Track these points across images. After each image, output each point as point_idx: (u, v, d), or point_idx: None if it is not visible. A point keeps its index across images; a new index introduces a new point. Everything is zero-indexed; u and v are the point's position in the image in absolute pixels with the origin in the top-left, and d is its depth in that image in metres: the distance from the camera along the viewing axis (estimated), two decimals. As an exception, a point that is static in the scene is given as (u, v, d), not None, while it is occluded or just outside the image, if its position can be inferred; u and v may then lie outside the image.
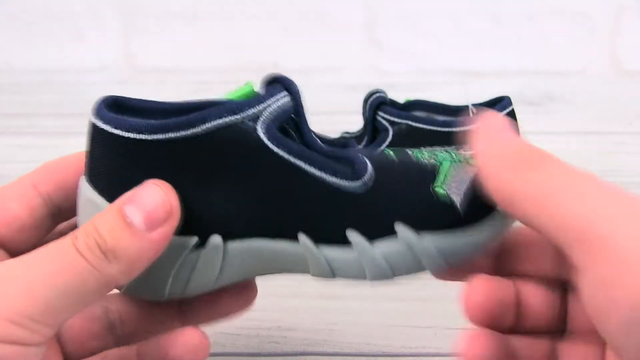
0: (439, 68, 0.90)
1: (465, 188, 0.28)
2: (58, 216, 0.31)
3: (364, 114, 0.52)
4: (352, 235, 0.28)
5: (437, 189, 0.28)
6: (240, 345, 0.38)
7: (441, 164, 0.29)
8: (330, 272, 0.29)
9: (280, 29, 0.92)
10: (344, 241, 0.28)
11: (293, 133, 0.29)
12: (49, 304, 0.24)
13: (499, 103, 0.50)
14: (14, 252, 0.30)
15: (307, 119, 0.29)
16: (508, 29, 0.90)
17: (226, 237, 0.28)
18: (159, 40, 0.92)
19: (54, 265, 0.24)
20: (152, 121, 0.26)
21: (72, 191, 0.30)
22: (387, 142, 0.50)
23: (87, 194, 0.28)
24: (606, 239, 0.21)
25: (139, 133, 0.26)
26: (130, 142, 0.26)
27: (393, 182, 0.28)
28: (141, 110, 0.29)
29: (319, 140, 0.29)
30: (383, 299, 0.43)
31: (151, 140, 0.26)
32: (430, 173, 0.28)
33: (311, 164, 0.27)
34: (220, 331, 0.34)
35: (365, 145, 0.51)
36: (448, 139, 0.50)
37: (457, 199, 0.27)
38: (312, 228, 0.28)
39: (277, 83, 0.29)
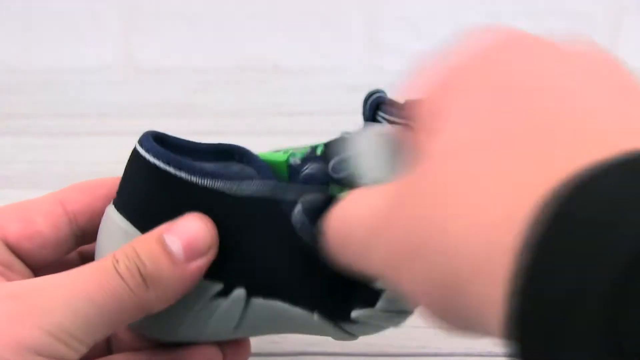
0: (439, 68, 0.90)
1: None
2: (80, 237, 0.31)
3: (364, 114, 0.52)
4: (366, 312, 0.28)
5: None
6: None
7: None
8: (351, 336, 0.30)
9: (280, 29, 0.92)
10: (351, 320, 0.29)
11: None
12: (88, 321, 0.24)
13: (499, 103, 0.50)
14: (32, 266, 0.30)
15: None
16: (508, 29, 0.90)
17: (250, 293, 0.28)
18: (159, 40, 0.93)
19: (94, 284, 0.25)
20: (205, 164, 0.27)
21: (97, 215, 0.30)
22: (387, 142, 0.50)
23: (117, 220, 0.28)
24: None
25: (190, 174, 0.26)
26: (179, 182, 0.26)
27: None
28: (178, 148, 0.30)
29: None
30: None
31: (201, 186, 0.26)
32: None
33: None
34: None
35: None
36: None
37: None
38: (321, 308, 0.28)
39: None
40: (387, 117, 0.51)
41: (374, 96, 0.52)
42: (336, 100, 0.80)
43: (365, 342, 0.38)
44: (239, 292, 0.28)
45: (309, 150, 0.40)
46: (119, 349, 0.31)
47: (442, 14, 0.90)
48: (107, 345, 0.32)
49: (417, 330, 0.38)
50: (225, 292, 0.28)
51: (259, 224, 0.27)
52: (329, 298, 0.28)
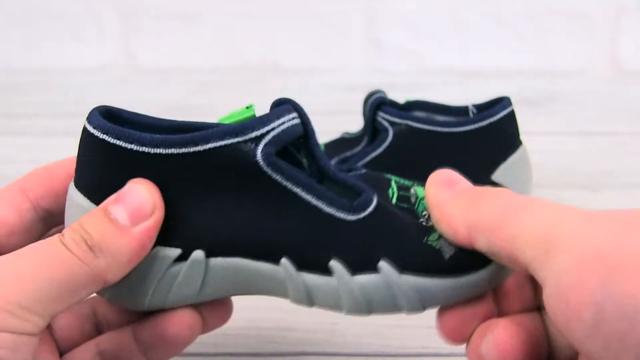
0: (439, 68, 0.90)
1: (458, 247, 0.28)
2: (49, 220, 0.32)
3: (364, 114, 0.52)
4: (335, 264, 0.28)
5: (431, 243, 0.28)
6: (241, 345, 0.38)
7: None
8: (308, 300, 0.29)
9: (280, 29, 0.92)
10: (326, 270, 0.28)
11: (304, 155, 0.30)
12: (40, 294, 0.25)
13: (499, 103, 0.50)
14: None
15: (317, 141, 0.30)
16: (508, 29, 0.90)
17: (209, 254, 0.28)
18: (159, 40, 0.93)
19: (43, 258, 0.25)
20: (157, 136, 0.27)
21: (61, 196, 0.31)
22: (387, 143, 0.50)
23: (77, 199, 0.29)
24: (559, 243, 0.22)
25: (141, 146, 0.27)
26: (131, 154, 0.27)
27: (388, 220, 0.28)
28: (132, 123, 0.30)
29: (331, 165, 0.30)
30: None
31: (152, 154, 0.27)
32: (425, 227, 0.29)
33: (308, 191, 0.28)
34: (221, 331, 0.34)
35: (365, 146, 0.51)
36: (448, 139, 0.50)
37: (449, 251, 0.28)
38: (297, 253, 0.28)
39: (287, 104, 0.29)
40: (387, 117, 0.51)
41: (374, 96, 0.52)
42: (336, 100, 0.80)
43: (365, 341, 0.38)
44: (197, 254, 0.28)
45: None
46: (108, 329, 0.32)
47: (442, 14, 0.90)
48: (96, 327, 0.32)
49: (417, 330, 0.38)
50: (184, 257, 0.28)
51: (220, 173, 0.27)
52: (301, 239, 0.28)
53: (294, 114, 0.29)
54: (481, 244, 0.26)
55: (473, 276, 0.28)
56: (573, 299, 0.21)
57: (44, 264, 0.25)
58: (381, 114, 0.51)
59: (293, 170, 0.28)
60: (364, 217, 0.28)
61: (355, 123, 0.55)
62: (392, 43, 0.91)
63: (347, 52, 0.91)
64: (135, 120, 0.30)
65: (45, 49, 0.94)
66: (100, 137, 0.28)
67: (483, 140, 0.49)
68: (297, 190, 0.27)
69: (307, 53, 0.91)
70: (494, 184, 0.50)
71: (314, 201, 0.28)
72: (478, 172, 0.50)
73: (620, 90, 0.84)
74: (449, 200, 0.27)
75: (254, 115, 0.29)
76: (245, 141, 0.27)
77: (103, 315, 0.32)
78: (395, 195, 0.30)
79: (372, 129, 0.51)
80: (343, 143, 0.53)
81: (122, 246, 0.26)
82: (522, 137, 0.51)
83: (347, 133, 0.56)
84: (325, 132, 0.56)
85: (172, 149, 0.27)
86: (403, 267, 0.27)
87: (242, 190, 0.27)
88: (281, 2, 0.92)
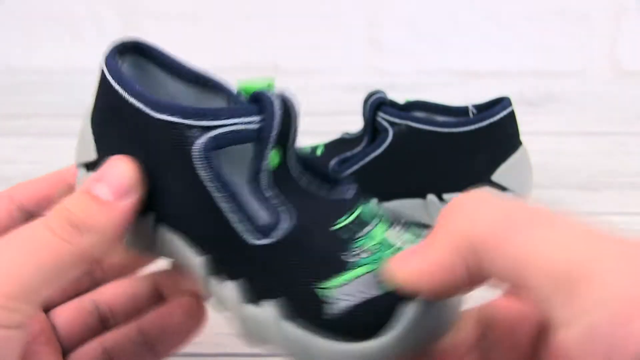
0: (439, 68, 0.90)
1: (363, 298, 0.24)
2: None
3: (364, 114, 0.52)
4: (231, 286, 0.26)
5: (321, 289, 0.25)
6: (241, 345, 0.38)
7: (358, 265, 0.25)
8: (218, 306, 0.28)
9: (280, 29, 0.92)
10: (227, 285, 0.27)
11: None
12: (25, 281, 0.24)
13: (499, 103, 0.50)
14: None
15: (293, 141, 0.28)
16: (508, 29, 0.90)
17: (159, 218, 0.28)
18: (159, 40, 0.92)
19: (27, 244, 0.25)
20: (152, 96, 0.27)
21: (44, 200, 0.32)
22: (387, 143, 0.50)
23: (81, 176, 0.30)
24: (593, 280, 0.18)
25: (136, 99, 0.27)
26: (125, 103, 0.28)
27: (297, 251, 0.26)
28: (155, 61, 0.33)
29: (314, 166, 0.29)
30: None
31: (141, 111, 0.27)
32: (340, 263, 0.25)
33: (226, 200, 0.26)
34: (221, 331, 0.34)
35: (365, 146, 0.51)
36: (448, 140, 0.50)
37: (347, 302, 0.24)
38: (212, 257, 0.27)
39: (262, 102, 0.27)
40: (387, 117, 0.51)
41: (374, 97, 0.52)
42: (336, 100, 0.80)
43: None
44: (150, 215, 0.28)
45: (309, 150, 0.40)
46: (113, 321, 0.32)
47: (442, 14, 0.90)
48: (100, 321, 0.32)
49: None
50: (142, 213, 0.28)
51: (171, 153, 0.27)
52: (222, 243, 0.27)
53: (254, 118, 0.26)
54: (474, 266, 0.21)
55: (366, 344, 0.24)
56: (617, 353, 0.17)
57: (29, 250, 0.25)
58: (381, 114, 0.51)
59: (226, 173, 0.26)
60: (269, 244, 0.26)
61: (355, 123, 0.55)
62: (392, 43, 0.91)
63: (347, 52, 0.91)
64: (160, 59, 0.33)
65: (45, 49, 0.94)
66: (111, 83, 0.29)
67: (483, 140, 0.49)
68: (215, 194, 0.26)
69: (307, 53, 0.91)
70: (494, 184, 0.50)
71: (228, 213, 0.26)
72: (478, 172, 0.50)
73: (620, 90, 0.84)
74: (425, 248, 0.23)
75: (264, 90, 0.28)
76: (191, 126, 0.26)
77: (107, 307, 0.33)
78: (345, 223, 0.27)
79: (372, 129, 0.51)
80: (343, 143, 0.53)
81: (106, 222, 0.26)
82: (522, 137, 0.51)
83: (347, 133, 0.56)
84: (325, 132, 0.56)
85: (153, 112, 0.27)
86: (288, 312, 0.25)
87: (181, 174, 0.27)
88: (281, 2, 0.92)
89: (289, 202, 0.27)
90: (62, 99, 0.84)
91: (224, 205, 0.26)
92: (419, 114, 0.52)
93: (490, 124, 0.49)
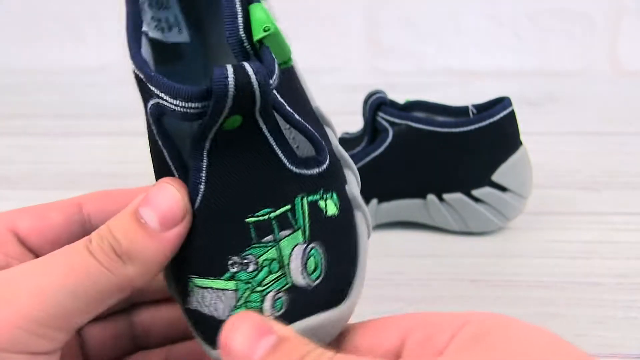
0: (439, 68, 0.90)
1: (209, 312, 0.25)
2: None
3: (364, 114, 0.52)
4: None
5: (192, 281, 0.26)
6: None
7: (231, 278, 0.25)
8: None
9: (280, 29, 0.92)
10: None
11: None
12: (59, 307, 0.23)
13: (499, 103, 0.50)
14: None
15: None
16: (508, 29, 0.90)
17: None
18: (159, 40, 0.92)
19: (65, 267, 0.24)
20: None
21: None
22: (387, 143, 0.50)
23: None
24: None
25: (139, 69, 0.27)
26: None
27: (189, 243, 0.26)
28: None
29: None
30: (382, 299, 0.43)
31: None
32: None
33: (172, 161, 0.27)
34: None
35: (365, 146, 0.51)
36: (448, 140, 0.50)
37: (194, 306, 0.25)
38: None
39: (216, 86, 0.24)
40: (387, 117, 0.51)
41: (374, 97, 0.52)
42: (336, 100, 0.79)
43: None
44: None
45: None
46: (146, 341, 0.31)
47: (442, 14, 0.90)
48: (133, 342, 0.31)
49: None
50: None
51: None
52: None
53: (196, 104, 0.24)
54: None
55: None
56: None
57: (67, 274, 0.24)
58: (381, 114, 0.51)
59: (174, 129, 0.26)
60: None
61: (355, 123, 0.55)
62: (392, 43, 0.91)
63: (347, 52, 0.91)
64: None
65: (45, 49, 0.94)
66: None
67: (483, 140, 0.49)
68: (165, 153, 0.27)
69: (307, 53, 0.91)
70: (494, 184, 0.50)
71: (174, 173, 0.27)
72: (478, 172, 0.50)
73: (620, 90, 0.84)
74: None
75: (275, 35, 0.27)
76: (148, 87, 0.26)
77: (142, 329, 0.31)
78: (264, 217, 0.26)
79: (372, 129, 0.51)
80: (343, 143, 0.53)
81: (151, 252, 0.25)
82: (522, 137, 0.51)
83: (347, 133, 0.56)
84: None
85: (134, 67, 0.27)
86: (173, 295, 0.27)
87: (148, 131, 0.28)
88: (281, 2, 0.92)
89: (222, 176, 0.26)
90: (62, 99, 0.84)
91: (172, 166, 0.27)
92: (419, 114, 0.52)
93: (491, 124, 0.49)
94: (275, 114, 0.26)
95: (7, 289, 0.24)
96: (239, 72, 0.24)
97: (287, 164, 0.26)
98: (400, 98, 0.53)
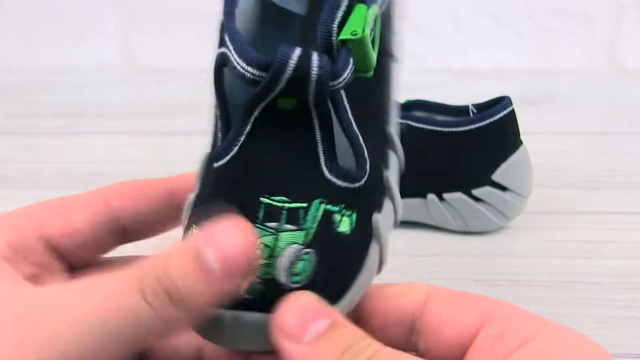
0: (439, 68, 0.90)
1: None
2: (121, 236, 0.30)
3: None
4: None
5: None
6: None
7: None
8: None
9: (280, 29, 0.92)
10: None
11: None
12: (100, 345, 0.21)
13: (500, 103, 0.50)
14: (72, 264, 0.29)
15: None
16: (508, 28, 0.90)
17: None
18: (159, 40, 0.93)
19: (110, 304, 0.22)
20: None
21: (142, 214, 0.29)
22: (387, 142, 0.50)
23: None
24: None
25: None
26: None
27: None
28: None
29: None
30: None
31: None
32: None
33: (220, 118, 0.28)
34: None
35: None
36: (448, 139, 0.50)
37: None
38: None
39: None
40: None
41: None
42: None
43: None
44: None
45: None
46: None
47: (442, 14, 0.90)
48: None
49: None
50: None
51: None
52: None
53: (254, 71, 0.24)
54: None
55: None
56: None
57: (111, 312, 0.21)
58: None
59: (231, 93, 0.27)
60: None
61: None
62: (392, 43, 0.91)
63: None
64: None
65: (45, 49, 0.94)
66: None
67: (483, 140, 0.49)
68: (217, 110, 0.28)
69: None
70: (495, 184, 0.50)
71: (218, 132, 0.28)
72: (478, 172, 0.50)
73: (620, 90, 0.84)
74: (301, 355, 0.22)
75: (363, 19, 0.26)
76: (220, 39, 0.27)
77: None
78: (275, 202, 0.25)
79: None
80: None
81: (207, 299, 0.22)
82: (522, 136, 0.51)
83: None
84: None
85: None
86: None
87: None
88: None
89: (257, 147, 0.25)
90: (62, 99, 0.84)
91: (218, 121, 0.27)
92: (419, 114, 0.52)
93: (491, 123, 0.49)
94: (333, 114, 0.26)
95: (49, 321, 0.22)
96: (303, 57, 0.24)
97: (323, 164, 0.26)
98: (401, 98, 0.53)
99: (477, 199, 0.50)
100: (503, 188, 0.50)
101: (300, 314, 0.22)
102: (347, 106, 0.27)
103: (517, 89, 0.79)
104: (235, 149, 0.25)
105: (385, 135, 0.30)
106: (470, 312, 0.25)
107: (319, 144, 0.26)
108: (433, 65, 0.90)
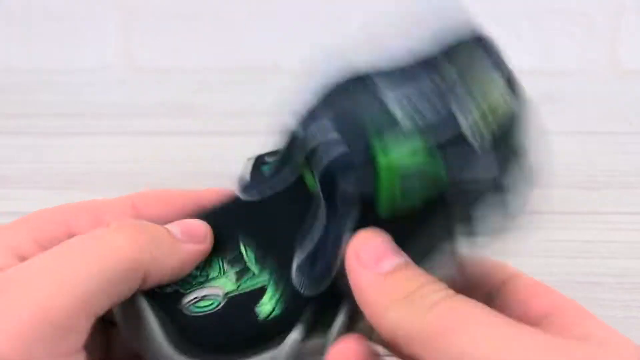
0: (439, 68, 0.90)
1: None
2: None
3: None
4: None
5: None
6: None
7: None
8: None
9: (280, 29, 0.92)
10: None
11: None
12: (81, 288, 0.23)
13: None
14: None
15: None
16: (508, 29, 0.90)
17: None
18: (159, 40, 0.92)
19: (86, 250, 0.24)
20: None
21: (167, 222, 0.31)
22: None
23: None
24: None
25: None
26: None
27: None
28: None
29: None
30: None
31: None
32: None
33: None
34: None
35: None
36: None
37: None
38: None
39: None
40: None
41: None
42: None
43: (365, 342, 0.38)
44: None
45: None
46: None
47: (442, 14, 0.90)
48: None
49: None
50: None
51: None
52: None
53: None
54: (401, 348, 0.23)
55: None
56: None
57: (91, 256, 0.24)
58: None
59: None
60: None
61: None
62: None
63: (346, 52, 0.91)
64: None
65: (45, 49, 0.94)
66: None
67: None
68: None
69: (307, 53, 0.91)
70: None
71: None
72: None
73: (620, 90, 0.84)
74: (372, 283, 0.23)
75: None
76: None
77: None
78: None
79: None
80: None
81: (170, 251, 0.26)
82: (522, 137, 0.51)
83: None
84: (325, 132, 0.56)
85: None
86: None
87: None
88: (281, 2, 0.92)
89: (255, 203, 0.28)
90: (62, 99, 0.84)
91: None
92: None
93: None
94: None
95: (24, 281, 0.23)
96: (327, 145, 0.25)
97: (297, 258, 0.26)
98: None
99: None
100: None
101: (379, 246, 0.24)
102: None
103: (517, 89, 0.79)
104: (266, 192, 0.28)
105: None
106: (542, 299, 0.27)
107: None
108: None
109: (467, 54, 0.26)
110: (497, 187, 0.26)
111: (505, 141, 0.26)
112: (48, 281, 0.22)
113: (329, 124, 0.25)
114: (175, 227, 0.27)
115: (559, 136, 0.73)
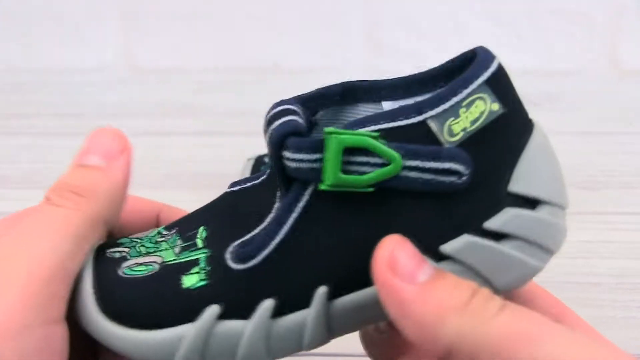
0: (439, 68, 0.90)
1: None
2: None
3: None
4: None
5: None
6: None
7: None
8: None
9: (280, 29, 0.92)
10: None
11: None
12: (57, 256, 0.24)
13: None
14: None
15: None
16: (508, 29, 0.90)
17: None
18: (159, 40, 0.92)
19: (37, 225, 0.25)
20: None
21: (127, 227, 0.32)
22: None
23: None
24: None
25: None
26: None
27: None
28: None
29: None
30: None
31: None
32: None
33: None
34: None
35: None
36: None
37: None
38: None
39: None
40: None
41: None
42: (336, 100, 0.79)
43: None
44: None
45: None
46: None
47: (442, 14, 0.90)
48: None
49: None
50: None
51: None
52: None
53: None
54: None
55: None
56: None
57: (43, 230, 0.25)
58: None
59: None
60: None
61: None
62: (392, 43, 0.91)
63: (347, 52, 0.91)
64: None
65: (45, 49, 0.94)
66: None
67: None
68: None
69: (307, 53, 0.91)
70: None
71: None
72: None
73: (620, 90, 0.84)
74: (418, 295, 0.22)
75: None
76: None
77: None
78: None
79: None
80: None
81: (108, 184, 0.27)
82: (522, 137, 0.51)
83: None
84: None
85: None
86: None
87: None
88: (281, 2, 0.92)
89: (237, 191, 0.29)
90: (62, 99, 0.84)
91: None
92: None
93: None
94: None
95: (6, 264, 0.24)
96: (278, 115, 0.27)
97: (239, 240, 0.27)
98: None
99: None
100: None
101: (414, 255, 0.22)
102: (307, 199, 0.25)
103: (517, 89, 0.79)
104: (253, 183, 0.29)
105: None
106: (547, 308, 0.28)
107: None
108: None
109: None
110: (477, 229, 0.25)
111: (484, 146, 0.25)
112: (26, 255, 0.24)
113: (291, 101, 0.27)
114: (93, 158, 0.28)
115: (559, 136, 0.73)
